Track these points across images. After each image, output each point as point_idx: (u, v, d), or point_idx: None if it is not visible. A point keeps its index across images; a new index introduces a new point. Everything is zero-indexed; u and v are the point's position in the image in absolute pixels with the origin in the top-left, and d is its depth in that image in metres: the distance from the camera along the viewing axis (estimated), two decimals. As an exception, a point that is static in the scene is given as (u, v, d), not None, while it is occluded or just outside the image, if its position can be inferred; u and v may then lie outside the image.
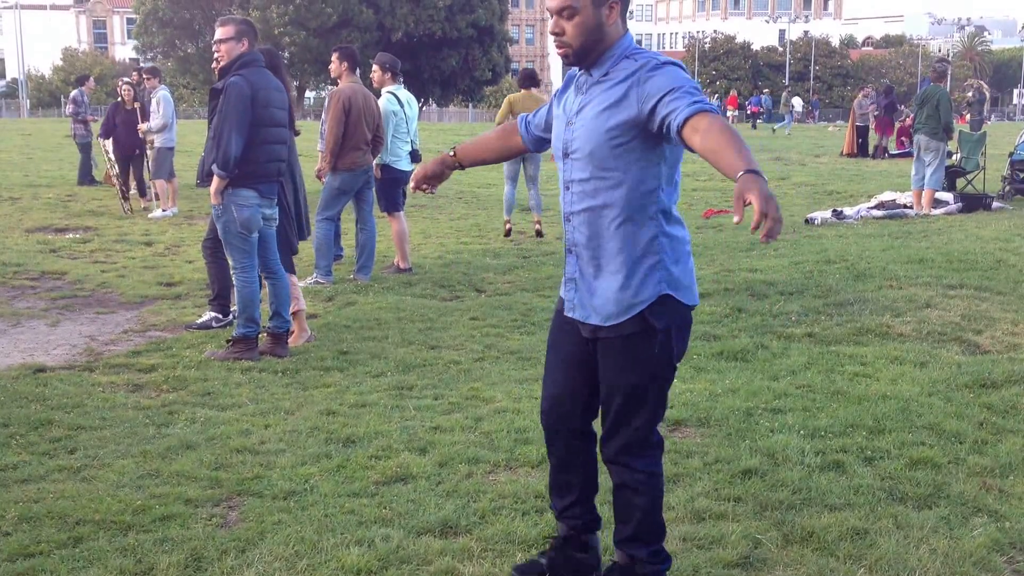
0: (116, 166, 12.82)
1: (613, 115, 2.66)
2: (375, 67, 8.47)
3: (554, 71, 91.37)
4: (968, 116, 27.82)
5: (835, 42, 79.72)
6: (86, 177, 15.44)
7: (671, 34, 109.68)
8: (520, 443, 4.25)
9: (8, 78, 76.92)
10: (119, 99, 13.06)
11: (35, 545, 3.29)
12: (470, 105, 64.20)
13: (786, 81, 64.33)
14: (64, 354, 5.92)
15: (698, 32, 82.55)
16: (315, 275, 7.95)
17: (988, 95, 31.65)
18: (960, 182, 14.37)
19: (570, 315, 2.89)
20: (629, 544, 2.93)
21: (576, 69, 2.82)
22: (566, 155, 2.81)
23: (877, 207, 12.67)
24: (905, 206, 12.66)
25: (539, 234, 10.63)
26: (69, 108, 15.92)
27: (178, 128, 12.76)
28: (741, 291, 7.48)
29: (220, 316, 6.53)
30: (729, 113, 51.80)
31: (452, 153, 3.21)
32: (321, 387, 5.22)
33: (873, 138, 24.12)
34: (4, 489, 3.77)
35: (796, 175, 18.53)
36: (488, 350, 5.97)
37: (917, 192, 12.64)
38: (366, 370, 5.55)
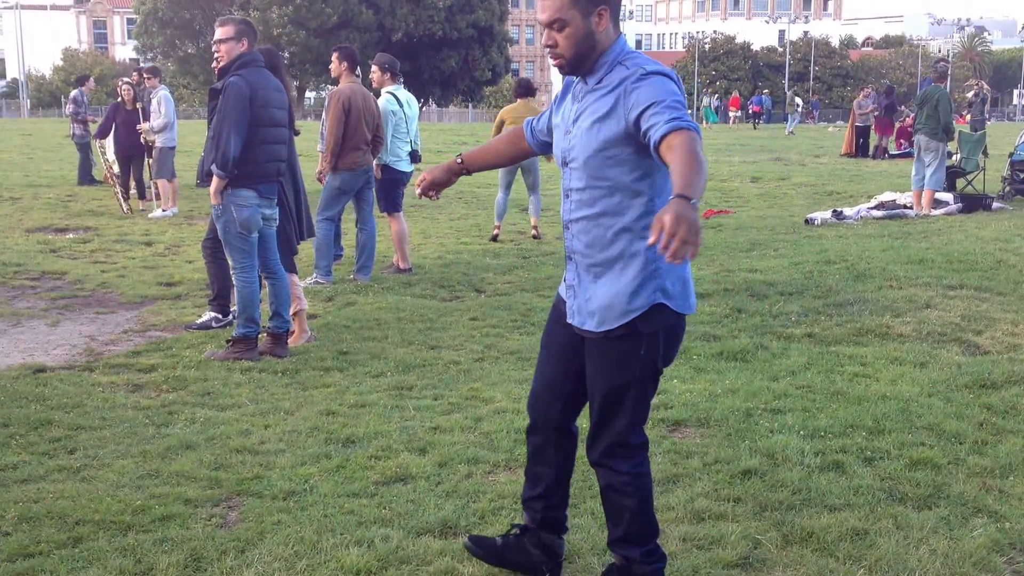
0: (114, 166, 12.83)
1: (603, 128, 2.70)
2: (374, 67, 8.47)
3: (554, 71, 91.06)
4: (968, 116, 27.79)
5: (835, 42, 79.66)
6: (86, 177, 15.45)
7: (671, 34, 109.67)
8: (520, 443, 4.24)
9: (8, 78, 76.99)
10: (119, 99, 13.07)
11: (35, 545, 3.30)
12: (470, 105, 64.23)
13: (786, 81, 64.35)
14: (64, 354, 5.92)
15: (698, 32, 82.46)
16: (315, 275, 7.95)
17: (989, 95, 31.64)
18: (960, 182, 14.38)
19: (570, 321, 2.92)
20: (622, 545, 2.95)
21: (573, 76, 2.84)
22: (565, 164, 2.85)
23: (877, 207, 12.66)
24: (905, 206, 12.66)
25: (535, 237, 10.67)
26: (69, 108, 15.93)
27: (178, 128, 12.76)
28: (741, 291, 7.49)
29: (220, 316, 6.54)
30: (732, 113, 51.78)
31: (459, 160, 3.22)
32: (321, 387, 5.22)
33: (873, 138, 24.11)
34: (4, 489, 3.77)
35: (796, 175, 18.53)
36: (488, 350, 5.97)
37: (917, 192, 12.65)
38: (366, 370, 5.55)
